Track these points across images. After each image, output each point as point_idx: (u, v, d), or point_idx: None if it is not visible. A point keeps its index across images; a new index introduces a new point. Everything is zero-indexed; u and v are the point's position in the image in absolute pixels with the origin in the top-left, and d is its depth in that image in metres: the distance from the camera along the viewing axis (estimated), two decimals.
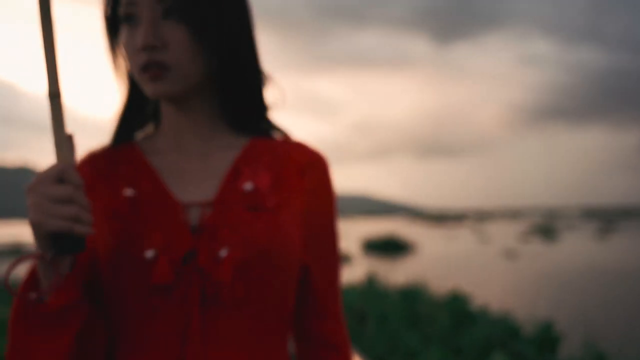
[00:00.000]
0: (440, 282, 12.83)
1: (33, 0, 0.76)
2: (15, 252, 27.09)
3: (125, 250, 0.85)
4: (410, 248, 25.20)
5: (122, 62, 0.94)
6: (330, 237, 1.00)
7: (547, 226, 47.46)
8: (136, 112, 0.98)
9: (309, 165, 0.97)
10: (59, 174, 0.75)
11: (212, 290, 0.84)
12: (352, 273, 14.82)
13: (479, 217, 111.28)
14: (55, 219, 0.73)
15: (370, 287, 5.36)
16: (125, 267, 0.85)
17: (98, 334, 0.86)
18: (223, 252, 0.83)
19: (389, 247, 24.76)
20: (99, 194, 0.91)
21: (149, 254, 0.83)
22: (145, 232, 0.85)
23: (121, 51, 0.92)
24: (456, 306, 4.73)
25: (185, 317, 0.84)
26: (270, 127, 0.99)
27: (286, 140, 0.99)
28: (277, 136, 1.00)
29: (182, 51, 0.85)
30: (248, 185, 0.90)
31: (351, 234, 44.21)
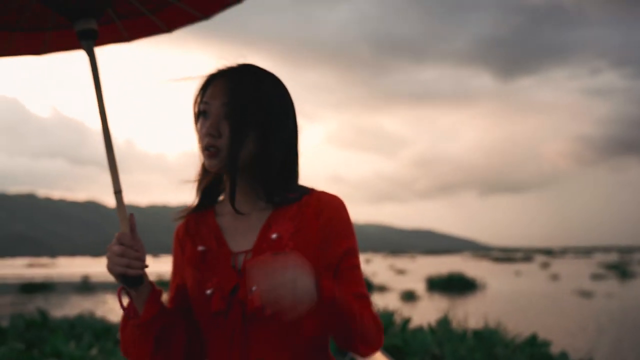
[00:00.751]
0: (511, 322, 12.45)
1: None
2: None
3: (196, 289, 1.32)
4: (477, 286, 24.55)
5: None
6: (349, 254, 1.34)
7: (621, 264, 45.40)
8: (212, 183, 1.43)
9: (323, 207, 1.33)
10: (119, 240, 1.25)
11: (249, 313, 1.24)
12: (419, 312, 14.53)
13: (546, 254, 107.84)
14: (115, 267, 1.22)
15: (444, 329, 5.22)
16: (196, 300, 1.32)
17: (175, 337, 1.31)
18: (254, 287, 1.14)
19: (454, 285, 24.20)
20: (186, 248, 1.40)
21: (208, 291, 1.29)
22: (208, 276, 1.31)
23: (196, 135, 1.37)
24: (535, 350, 4.57)
25: (233, 331, 1.27)
26: (300, 191, 1.36)
27: (310, 194, 1.35)
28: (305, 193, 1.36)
29: (231, 141, 1.28)
30: (274, 235, 1.29)
31: (416, 270, 43.60)
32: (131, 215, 1.32)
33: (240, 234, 1.34)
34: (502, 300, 18.76)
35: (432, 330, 5.44)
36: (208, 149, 1.29)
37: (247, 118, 1.28)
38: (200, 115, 1.33)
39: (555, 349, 7.37)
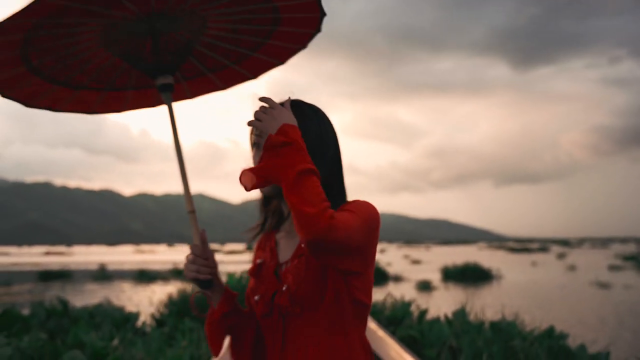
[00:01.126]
0: (528, 313, 12.39)
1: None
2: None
3: (250, 296, 1.61)
4: (493, 276, 24.44)
5: None
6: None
7: (639, 255, 44.83)
8: (277, 206, 1.67)
9: None
10: (192, 250, 1.57)
11: (284, 312, 1.50)
12: (435, 302, 14.50)
13: (563, 245, 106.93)
14: (188, 272, 1.55)
15: (461, 320, 5.22)
16: (251, 306, 1.62)
17: (245, 336, 1.60)
18: (284, 289, 1.49)
19: (470, 275, 24.09)
20: (255, 260, 1.66)
21: (256, 297, 1.56)
22: (258, 285, 1.58)
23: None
24: (553, 343, 4.57)
25: (275, 329, 1.52)
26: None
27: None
28: None
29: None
30: (301, 250, 1.52)
31: (431, 260, 43.50)
32: (203, 230, 1.60)
33: (289, 247, 1.58)
34: (518, 291, 18.64)
35: (449, 321, 5.44)
36: None
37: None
38: (254, 146, 1.59)
39: (573, 342, 7.36)
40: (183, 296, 9.24)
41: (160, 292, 9.65)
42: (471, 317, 5.62)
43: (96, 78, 1.92)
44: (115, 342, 4.47)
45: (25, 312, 6.50)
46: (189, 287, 9.66)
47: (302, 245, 1.46)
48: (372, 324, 5.07)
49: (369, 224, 1.41)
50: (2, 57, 1.66)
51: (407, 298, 10.53)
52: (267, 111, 1.42)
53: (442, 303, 14.46)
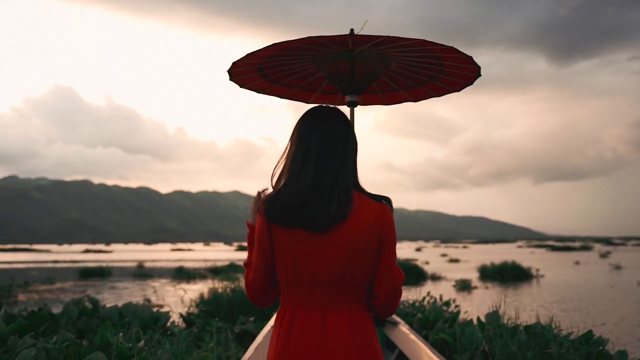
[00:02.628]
0: (571, 315, 12.07)
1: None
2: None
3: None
4: (534, 276, 23.95)
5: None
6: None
7: None
8: None
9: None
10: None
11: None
12: (474, 303, 14.25)
13: (606, 244, 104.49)
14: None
15: (495, 323, 5.06)
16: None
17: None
18: None
19: (508, 275, 23.66)
20: None
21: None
22: None
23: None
24: (592, 349, 4.38)
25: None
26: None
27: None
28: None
29: None
30: None
31: (469, 259, 42.91)
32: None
33: None
34: (560, 291, 18.12)
35: (481, 324, 5.28)
36: None
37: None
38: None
39: (617, 346, 7.06)
40: (215, 295, 9.22)
41: (196, 291, 9.61)
42: (506, 320, 5.42)
43: (305, 84, 2.96)
44: (142, 343, 4.42)
45: (59, 310, 6.54)
46: (221, 285, 9.63)
47: None
48: (403, 328, 4.95)
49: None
50: (246, 69, 2.67)
51: (445, 298, 10.37)
52: (253, 202, 2.16)
53: (481, 303, 14.19)
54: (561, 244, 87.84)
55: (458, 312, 6.65)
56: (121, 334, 4.97)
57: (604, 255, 47.67)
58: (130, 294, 17.26)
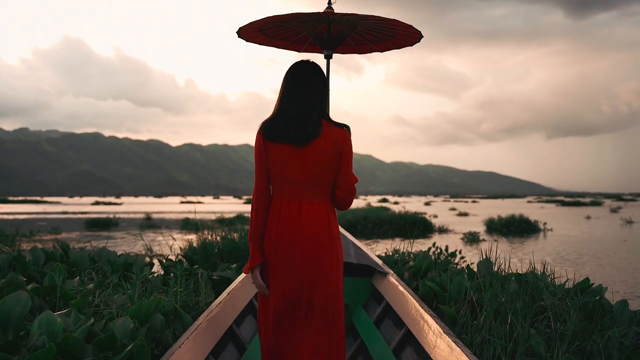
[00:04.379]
0: (575, 268, 11.65)
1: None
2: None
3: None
4: (541, 230, 23.55)
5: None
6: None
7: None
8: None
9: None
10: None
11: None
12: (472, 256, 13.85)
13: (617, 200, 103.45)
14: None
15: (486, 273, 4.65)
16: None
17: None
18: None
19: (515, 228, 23.28)
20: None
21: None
22: None
23: None
24: (589, 298, 3.98)
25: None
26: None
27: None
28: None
29: None
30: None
31: (478, 212, 42.56)
32: None
33: None
34: (568, 244, 17.67)
35: (472, 272, 4.88)
36: None
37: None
38: None
39: (622, 296, 6.65)
40: (204, 244, 8.87)
41: (193, 241, 9.26)
42: (498, 269, 4.99)
43: (296, 39, 3.73)
44: (91, 286, 4.04)
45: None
46: (211, 235, 9.27)
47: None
48: (392, 278, 4.59)
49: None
50: (250, 30, 3.40)
51: (453, 250, 10.05)
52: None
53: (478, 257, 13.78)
54: (571, 199, 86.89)
55: (449, 261, 6.21)
56: (78, 277, 4.62)
57: (614, 211, 47.12)
58: (133, 243, 16.96)
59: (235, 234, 9.43)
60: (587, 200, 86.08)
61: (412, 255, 8.59)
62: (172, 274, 5.94)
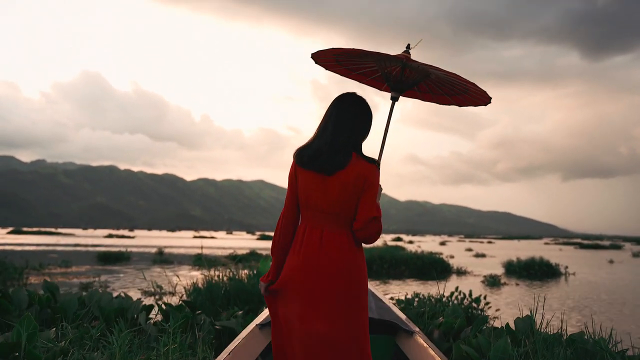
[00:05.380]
0: (610, 321, 10.78)
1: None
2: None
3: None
4: (562, 274, 22.58)
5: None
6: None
7: None
8: None
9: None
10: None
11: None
12: (502, 302, 13.04)
13: (636, 243, 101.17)
14: None
15: (528, 331, 3.98)
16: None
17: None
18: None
19: (535, 272, 22.31)
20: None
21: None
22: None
23: None
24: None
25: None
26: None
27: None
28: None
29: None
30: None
31: (496, 254, 41.46)
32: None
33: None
34: (594, 291, 16.77)
35: (512, 332, 4.20)
36: None
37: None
38: None
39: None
40: (209, 285, 8.24)
41: (199, 279, 8.66)
42: (541, 325, 4.32)
43: (373, 76, 3.65)
44: (63, 343, 3.41)
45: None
46: (218, 276, 8.65)
47: None
48: (420, 339, 3.94)
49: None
50: (326, 56, 3.42)
51: (474, 294, 9.30)
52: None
53: (512, 300, 13.00)
54: (590, 242, 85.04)
55: (486, 318, 5.42)
56: (53, 329, 3.99)
57: (637, 255, 45.74)
58: (135, 279, 16.33)
59: (243, 272, 8.79)
60: (607, 243, 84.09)
61: (432, 300, 7.88)
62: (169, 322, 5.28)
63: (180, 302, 7.18)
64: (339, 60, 3.53)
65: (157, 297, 11.20)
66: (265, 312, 4.08)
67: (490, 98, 3.37)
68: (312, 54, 3.38)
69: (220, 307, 7.84)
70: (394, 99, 3.38)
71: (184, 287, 8.65)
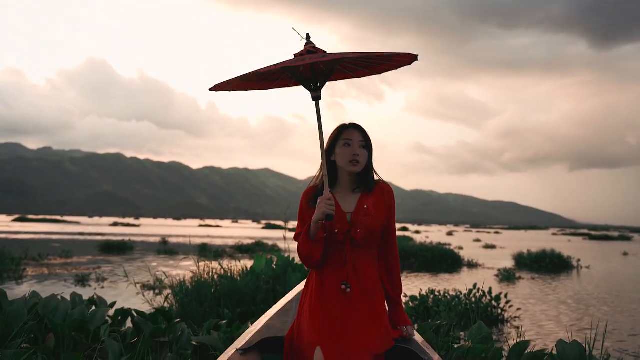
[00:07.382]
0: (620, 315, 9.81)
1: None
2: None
3: (327, 228, 2.88)
4: (574, 267, 21.65)
5: (336, 156, 2.97)
6: (393, 220, 2.98)
7: None
8: (332, 176, 3.01)
9: (386, 192, 2.96)
10: (325, 196, 2.79)
11: (354, 243, 2.85)
12: (520, 300, 12.02)
13: None
14: (326, 208, 2.75)
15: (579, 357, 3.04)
16: (330, 235, 2.88)
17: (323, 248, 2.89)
18: (359, 230, 2.84)
19: (547, 264, 21.41)
20: (305, 211, 3.03)
21: (336, 230, 2.85)
22: (332, 224, 2.85)
23: (338, 152, 2.95)
24: None
25: (345, 252, 2.84)
26: (374, 183, 2.99)
27: (380, 182, 3.00)
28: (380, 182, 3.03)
29: (363, 158, 2.92)
30: (364, 205, 2.89)
31: (506, 245, 40.44)
32: (332, 193, 2.93)
33: (347, 203, 2.93)
34: (616, 286, 15.70)
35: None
36: (353, 161, 2.90)
37: (369, 149, 2.96)
38: (342, 144, 2.93)
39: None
40: (197, 284, 7.32)
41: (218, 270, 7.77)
42: (592, 347, 3.39)
43: (279, 83, 3.44)
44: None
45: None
46: (207, 267, 7.75)
47: (365, 206, 2.90)
48: None
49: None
50: (234, 85, 3.23)
51: (487, 289, 8.53)
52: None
53: (530, 298, 11.99)
54: (599, 233, 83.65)
55: (527, 343, 4.19)
56: None
57: None
58: (144, 271, 15.37)
59: (236, 270, 7.90)
60: (615, 234, 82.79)
61: (448, 297, 7.08)
62: (140, 337, 4.39)
63: (153, 309, 6.34)
64: (250, 82, 3.32)
65: (156, 291, 10.61)
66: (248, 333, 3.16)
67: (417, 55, 3.03)
68: (209, 89, 3.20)
69: (209, 308, 6.98)
70: (317, 99, 3.07)
71: (171, 287, 7.75)
